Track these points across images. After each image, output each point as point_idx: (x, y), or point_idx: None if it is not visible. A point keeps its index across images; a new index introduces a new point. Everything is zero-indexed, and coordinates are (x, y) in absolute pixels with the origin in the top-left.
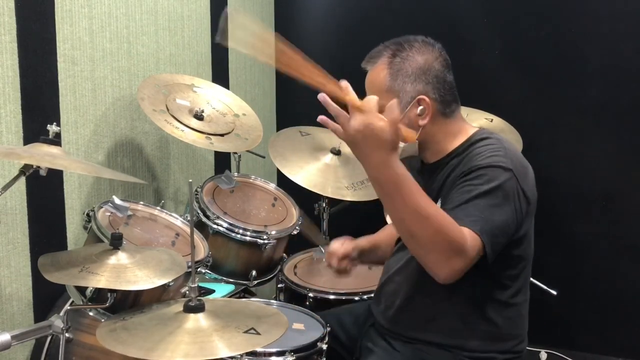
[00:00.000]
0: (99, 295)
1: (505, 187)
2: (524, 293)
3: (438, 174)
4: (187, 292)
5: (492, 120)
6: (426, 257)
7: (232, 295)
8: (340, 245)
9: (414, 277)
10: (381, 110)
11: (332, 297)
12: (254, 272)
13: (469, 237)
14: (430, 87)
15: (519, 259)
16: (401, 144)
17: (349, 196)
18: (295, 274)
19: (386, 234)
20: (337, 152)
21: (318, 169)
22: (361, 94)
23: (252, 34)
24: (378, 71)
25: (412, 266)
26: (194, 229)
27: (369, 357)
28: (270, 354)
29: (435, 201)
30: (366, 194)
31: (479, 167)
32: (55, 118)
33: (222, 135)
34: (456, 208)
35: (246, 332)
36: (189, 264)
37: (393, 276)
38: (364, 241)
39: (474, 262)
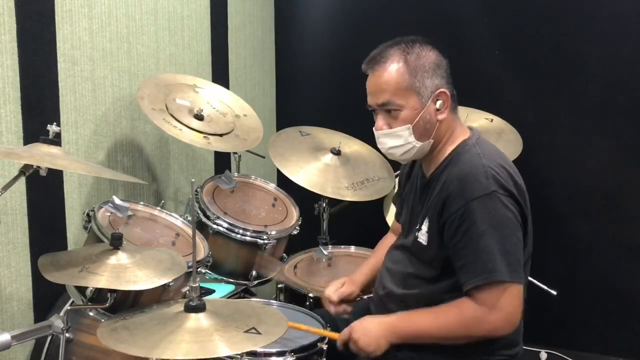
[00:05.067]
0: (99, 295)
1: (498, 216)
2: None
3: (430, 187)
4: (188, 291)
5: (492, 120)
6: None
7: (232, 295)
8: (335, 291)
9: (406, 284)
10: (400, 108)
11: None
12: (254, 272)
13: (491, 295)
14: (445, 81)
15: None
16: (417, 144)
17: (348, 196)
18: (295, 274)
19: (382, 252)
20: (337, 152)
21: (318, 169)
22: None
23: None
24: (393, 70)
25: (405, 274)
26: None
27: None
28: (270, 354)
29: (423, 220)
30: (366, 194)
31: (465, 204)
32: (55, 118)
33: (221, 135)
34: (469, 262)
35: (247, 331)
36: (190, 263)
37: (387, 280)
38: (363, 275)
39: (518, 296)
